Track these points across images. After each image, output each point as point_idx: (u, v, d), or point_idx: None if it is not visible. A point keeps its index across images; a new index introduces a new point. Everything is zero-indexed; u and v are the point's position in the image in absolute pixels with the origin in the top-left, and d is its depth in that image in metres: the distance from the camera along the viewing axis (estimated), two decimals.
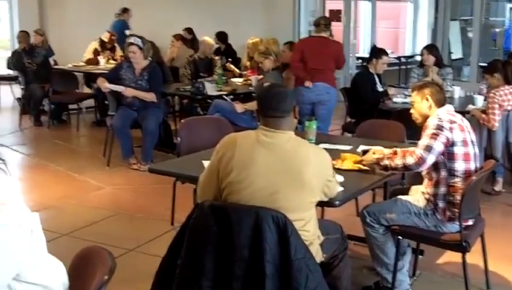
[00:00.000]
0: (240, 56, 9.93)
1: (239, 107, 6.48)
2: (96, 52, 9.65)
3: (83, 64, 9.50)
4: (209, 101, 7.01)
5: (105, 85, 6.55)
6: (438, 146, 3.39)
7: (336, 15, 12.02)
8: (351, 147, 4.08)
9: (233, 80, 8.24)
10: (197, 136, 4.65)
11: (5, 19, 17.87)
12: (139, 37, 6.63)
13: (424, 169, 3.47)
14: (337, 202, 2.98)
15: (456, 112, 3.66)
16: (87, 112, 9.59)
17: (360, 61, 11.99)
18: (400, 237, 3.54)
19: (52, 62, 9.61)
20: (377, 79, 6.69)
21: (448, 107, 3.60)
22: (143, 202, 5.60)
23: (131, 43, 6.48)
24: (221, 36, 10.19)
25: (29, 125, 9.08)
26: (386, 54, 6.87)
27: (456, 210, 3.39)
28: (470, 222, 3.52)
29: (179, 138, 4.67)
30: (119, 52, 9.59)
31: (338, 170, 3.32)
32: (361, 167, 3.54)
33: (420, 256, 4.11)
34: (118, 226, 5.03)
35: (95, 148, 7.59)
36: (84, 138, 8.88)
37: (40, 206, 5.06)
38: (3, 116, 10.60)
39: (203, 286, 2.64)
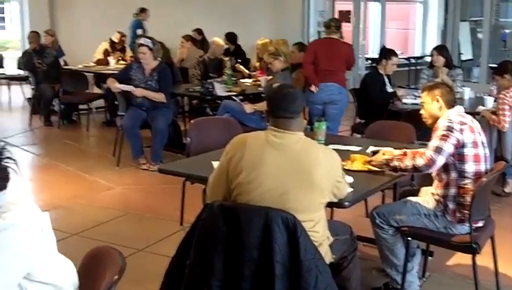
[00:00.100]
0: (249, 57, 9.94)
1: (248, 108, 6.49)
2: (106, 53, 9.69)
3: (93, 64, 9.54)
4: (218, 101, 7.03)
5: (115, 85, 6.57)
6: (448, 148, 3.37)
7: (345, 16, 12.02)
8: (360, 148, 4.08)
9: (242, 80, 8.26)
10: (206, 136, 4.65)
11: (16, 19, 18.00)
12: (148, 37, 6.65)
13: (433, 170, 3.46)
14: (346, 203, 2.97)
15: (466, 113, 3.64)
16: (97, 112, 9.62)
17: (370, 62, 11.97)
18: (409, 238, 3.54)
19: (62, 62, 9.65)
20: (386, 80, 6.68)
21: (459, 109, 3.59)
22: (152, 202, 5.61)
23: (141, 44, 6.50)
24: (231, 37, 10.20)
25: (39, 125, 9.12)
26: (396, 54, 6.86)
27: (466, 212, 3.37)
28: (480, 224, 3.51)
29: (188, 139, 4.67)
30: (129, 53, 9.62)
31: (347, 171, 3.31)
32: (371, 168, 3.54)
33: (430, 257, 4.10)
34: (127, 226, 5.05)
35: (104, 148, 7.62)
36: (94, 138, 8.91)
37: (50, 206, 5.08)
38: (13, 116, 10.65)
39: (213, 286, 2.64)
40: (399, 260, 3.57)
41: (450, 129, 3.40)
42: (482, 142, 3.50)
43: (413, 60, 13.64)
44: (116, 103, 7.57)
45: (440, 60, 6.85)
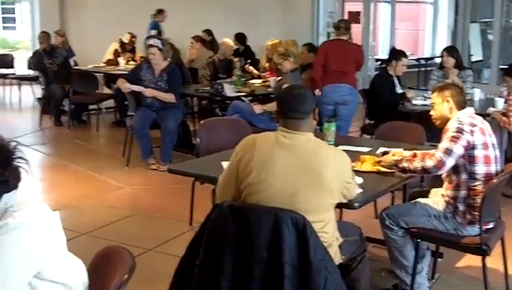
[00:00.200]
0: (258, 57, 9.94)
1: (257, 108, 6.49)
2: (116, 53, 9.73)
3: (103, 65, 9.58)
4: (227, 102, 7.03)
5: (125, 86, 6.60)
6: (458, 149, 3.36)
7: (355, 17, 11.99)
8: (370, 149, 4.07)
9: (251, 81, 8.27)
10: (215, 137, 4.66)
11: (27, 20, 18.08)
12: (158, 38, 6.66)
13: (443, 172, 3.44)
14: (356, 204, 2.97)
15: (477, 114, 3.63)
16: (106, 113, 9.64)
17: (379, 63, 11.94)
18: (419, 239, 3.53)
19: (72, 63, 9.69)
20: (396, 81, 6.66)
21: (469, 110, 3.57)
22: (161, 202, 5.62)
23: (151, 45, 6.52)
24: (240, 38, 10.21)
25: (49, 125, 9.16)
26: (406, 56, 6.84)
27: (476, 213, 3.36)
28: (490, 225, 3.49)
29: (198, 139, 4.68)
30: (138, 54, 9.64)
31: (357, 172, 3.30)
32: (381, 168, 3.53)
33: (439, 259, 4.08)
34: (137, 226, 5.06)
35: (114, 148, 7.64)
36: (104, 138, 8.94)
37: (59, 205, 5.10)
38: (24, 116, 10.70)
39: (222, 287, 2.65)
40: (408, 261, 3.56)
41: (460, 131, 3.39)
42: (493, 144, 3.49)
43: (423, 61, 13.59)
44: (126, 103, 7.59)
45: (450, 61, 6.84)
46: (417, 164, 3.41)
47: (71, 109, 9.17)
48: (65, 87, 8.95)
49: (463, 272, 4.12)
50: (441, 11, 14.09)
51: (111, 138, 8.67)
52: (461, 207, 3.43)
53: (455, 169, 3.43)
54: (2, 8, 24.32)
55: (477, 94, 6.74)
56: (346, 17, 11.75)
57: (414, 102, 6.49)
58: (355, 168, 3.40)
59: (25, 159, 2.03)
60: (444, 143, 3.40)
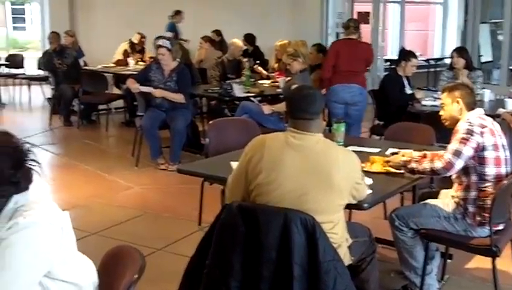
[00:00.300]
0: (267, 58, 9.94)
1: (266, 109, 6.49)
2: (125, 54, 9.75)
3: (112, 65, 9.60)
4: (236, 102, 7.03)
5: (135, 86, 6.62)
6: (468, 151, 3.34)
7: (364, 17, 11.98)
8: (379, 149, 4.06)
9: (260, 81, 8.27)
10: (224, 137, 4.66)
11: (37, 20, 18.15)
12: (167, 38, 6.67)
13: (451, 174, 3.43)
14: (365, 205, 2.96)
15: (486, 115, 3.61)
16: (116, 113, 9.69)
17: (388, 63, 11.92)
18: (428, 240, 3.52)
19: (82, 63, 9.72)
20: (405, 82, 6.65)
21: (479, 111, 3.56)
22: (171, 202, 5.63)
23: (160, 45, 6.53)
24: (250, 38, 10.21)
25: (59, 125, 9.20)
26: (415, 56, 6.83)
27: (486, 215, 3.35)
28: (500, 227, 3.48)
29: (207, 139, 4.69)
30: (148, 54, 9.67)
31: (367, 173, 3.29)
32: (390, 169, 3.52)
33: (449, 260, 4.06)
34: (146, 226, 5.08)
35: (123, 148, 7.67)
36: (113, 138, 8.96)
37: (69, 205, 5.12)
38: (33, 116, 10.74)
39: (231, 287, 2.65)
40: (418, 262, 3.55)
41: (470, 132, 3.37)
42: (503, 145, 3.47)
43: (432, 62, 13.56)
44: (135, 103, 7.62)
45: (460, 62, 6.81)
46: (426, 165, 3.40)
47: (81, 109, 9.21)
48: (75, 88, 8.99)
49: (472, 273, 4.10)
50: (451, 11, 14.05)
51: (120, 138, 8.70)
52: (471, 208, 3.42)
53: (465, 170, 3.41)
54: (12, 8, 24.42)
55: (487, 95, 6.71)
56: (355, 17, 11.73)
57: (424, 103, 6.47)
58: (365, 169, 3.40)
59: (38, 162, 2.04)
60: (453, 144, 3.39)
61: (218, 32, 10.68)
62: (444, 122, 3.67)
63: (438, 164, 3.36)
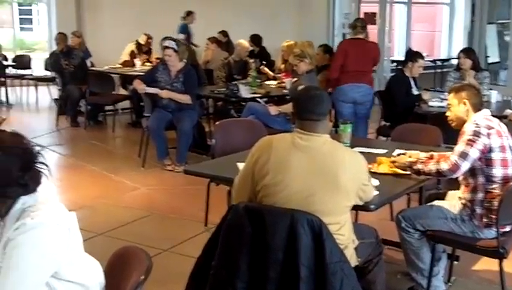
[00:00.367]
0: (273, 59, 9.94)
1: (273, 110, 6.49)
2: (132, 55, 9.76)
3: (119, 66, 9.62)
4: (243, 103, 7.04)
5: (142, 87, 6.63)
6: (474, 153, 3.33)
7: (370, 18, 11.96)
8: (386, 150, 4.05)
9: (267, 82, 8.27)
10: (231, 138, 4.67)
11: (44, 21, 18.19)
12: (173, 39, 6.68)
13: (457, 176, 3.42)
14: (372, 206, 2.96)
15: (493, 116, 3.60)
16: (123, 113, 9.70)
17: (395, 64, 11.90)
18: (435, 242, 3.51)
19: (89, 64, 9.74)
20: (412, 82, 6.64)
21: (485, 112, 3.54)
22: (177, 203, 5.64)
23: (166, 47, 6.54)
24: (256, 39, 10.21)
25: (66, 125, 9.23)
26: (422, 57, 6.82)
27: (493, 216, 3.34)
28: (508, 228, 3.46)
29: (213, 140, 4.69)
30: (154, 55, 9.68)
31: (373, 174, 3.29)
32: (397, 171, 3.51)
33: (456, 262, 4.05)
34: (152, 227, 5.08)
35: (130, 149, 7.68)
36: (120, 138, 8.98)
37: (75, 205, 5.13)
38: (40, 117, 10.77)
39: (238, 288, 2.65)
40: (425, 264, 3.55)
41: (476, 134, 3.35)
42: (510, 146, 3.46)
43: (439, 63, 13.52)
44: (141, 104, 7.63)
45: (467, 63, 6.79)
46: (432, 167, 3.39)
47: (87, 110, 9.22)
48: (82, 88, 9.01)
49: (479, 275, 4.09)
50: (458, 12, 14.01)
51: (127, 139, 8.71)
52: (478, 210, 3.41)
53: (472, 172, 3.40)
54: (19, 9, 24.50)
55: (494, 96, 6.69)
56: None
57: (430, 104, 6.45)
58: (372, 170, 3.39)
59: (47, 165, 2.04)
60: (460, 146, 3.37)
61: (224, 33, 10.69)
62: (450, 123, 3.66)
63: (444, 166, 3.35)
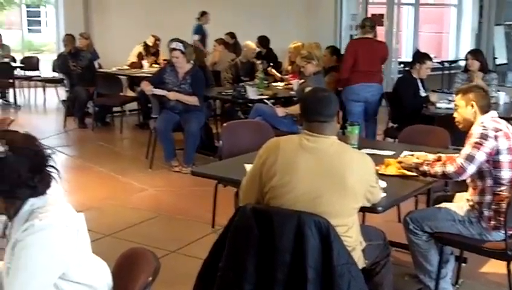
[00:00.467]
0: (280, 60, 9.94)
1: (280, 111, 6.49)
2: (140, 56, 9.78)
3: (127, 67, 9.64)
4: (250, 105, 7.04)
5: (149, 88, 6.64)
6: (480, 156, 3.31)
7: (378, 19, 11.91)
8: (394, 152, 4.04)
9: (274, 84, 8.27)
10: (238, 139, 4.67)
11: (52, 22, 18.24)
12: (180, 41, 6.69)
13: (463, 179, 3.40)
14: (380, 208, 2.95)
15: (501, 118, 3.58)
16: (130, 115, 9.73)
17: (402, 65, 11.88)
18: (443, 244, 3.50)
19: (96, 65, 9.77)
20: (420, 84, 6.62)
21: (493, 114, 3.51)
22: (184, 204, 5.64)
23: (174, 48, 6.55)
24: (263, 41, 10.21)
25: (73, 127, 9.24)
26: (430, 58, 6.79)
27: (501, 218, 3.32)
28: None
29: (221, 141, 4.70)
30: (162, 56, 9.70)
31: (381, 176, 3.28)
32: (405, 172, 3.50)
33: (463, 264, 4.04)
34: (160, 228, 5.09)
35: (137, 150, 7.69)
36: (128, 140, 8.99)
37: (83, 207, 5.13)
38: (48, 118, 10.80)
39: None
40: (432, 266, 3.53)
41: (484, 137, 3.33)
42: None
43: (446, 64, 13.49)
44: (149, 105, 7.64)
45: (475, 64, 6.77)
46: (438, 169, 3.37)
47: (95, 111, 9.25)
48: (89, 90, 9.02)
49: (487, 277, 4.08)
50: (465, 13, 13.98)
51: (134, 140, 8.73)
52: (486, 212, 3.39)
53: (480, 174, 3.39)
54: (27, 11, 24.62)
55: (502, 97, 6.67)
56: None
57: (438, 105, 6.43)
58: (380, 172, 3.38)
59: (57, 169, 2.05)
60: (466, 149, 3.35)
61: (232, 35, 10.69)
62: (457, 125, 3.64)
63: (450, 168, 3.33)
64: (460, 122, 3.60)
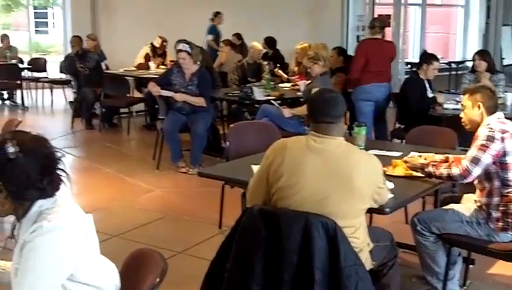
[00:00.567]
0: (287, 61, 9.94)
1: (287, 112, 6.48)
2: (147, 57, 9.80)
3: (134, 69, 9.66)
4: (256, 106, 7.04)
5: (156, 89, 6.66)
6: (486, 158, 3.29)
7: (385, 20, 11.91)
8: (401, 153, 4.03)
9: (281, 85, 8.27)
10: (245, 140, 4.67)
11: (59, 24, 18.30)
12: (187, 42, 6.70)
13: (468, 181, 3.38)
14: (387, 209, 2.95)
15: (508, 118, 3.56)
16: (137, 116, 9.75)
17: (409, 66, 11.86)
18: (451, 245, 3.48)
19: (104, 67, 9.79)
20: (427, 85, 6.60)
21: (499, 115, 3.48)
22: (191, 205, 5.65)
23: (180, 50, 6.56)
24: (270, 42, 10.21)
25: (80, 128, 9.27)
26: (437, 59, 6.77)
27: (509, 220, 3.31)
28: None
29: (227, 142, 4.70)
30: (169, 58, 9.72)
31: (389, 177, 3.27)
32: (413, 173, 3.49)
33: (471, 265, 4.03)
34: (167, 229, 5.09)
35: (144, 151, 7.71)
36: (135, 141, 9.01)
37: (90, 208, 5.09)
38: (55, 119, 10.84)
39: None
40: (440, 267, 3.52)
41: (490, 139, 3.30)
42: None
43: (454, 65, 13.45)
44: (156, 106, 7.66)
45: (482, 65, 6.76)
46: (443, 171, 3.35)
47: (102, 113, 9.27)
48: (96, 91, 9.04)
49: (495, 279, 4.06)
50: (472, 14, 13.94)
51: (141, 141, 8.74)
52: (494, 214, 3.38)
53: (487, 176, 3.37)
54: (34, 12, 24.71)
55: (510, 98, 6.63)
56: None
57: (445, 106, 6.42)
58: (387, 173, 3.37)
59: (67, 173, 2.05)
60: (472, 151, 3.33)
61: (238, 36, 10.70)
62: (464, 125, 3.62)
63: (455, 171, 3.30)
64: (466, 123, 3.58)
